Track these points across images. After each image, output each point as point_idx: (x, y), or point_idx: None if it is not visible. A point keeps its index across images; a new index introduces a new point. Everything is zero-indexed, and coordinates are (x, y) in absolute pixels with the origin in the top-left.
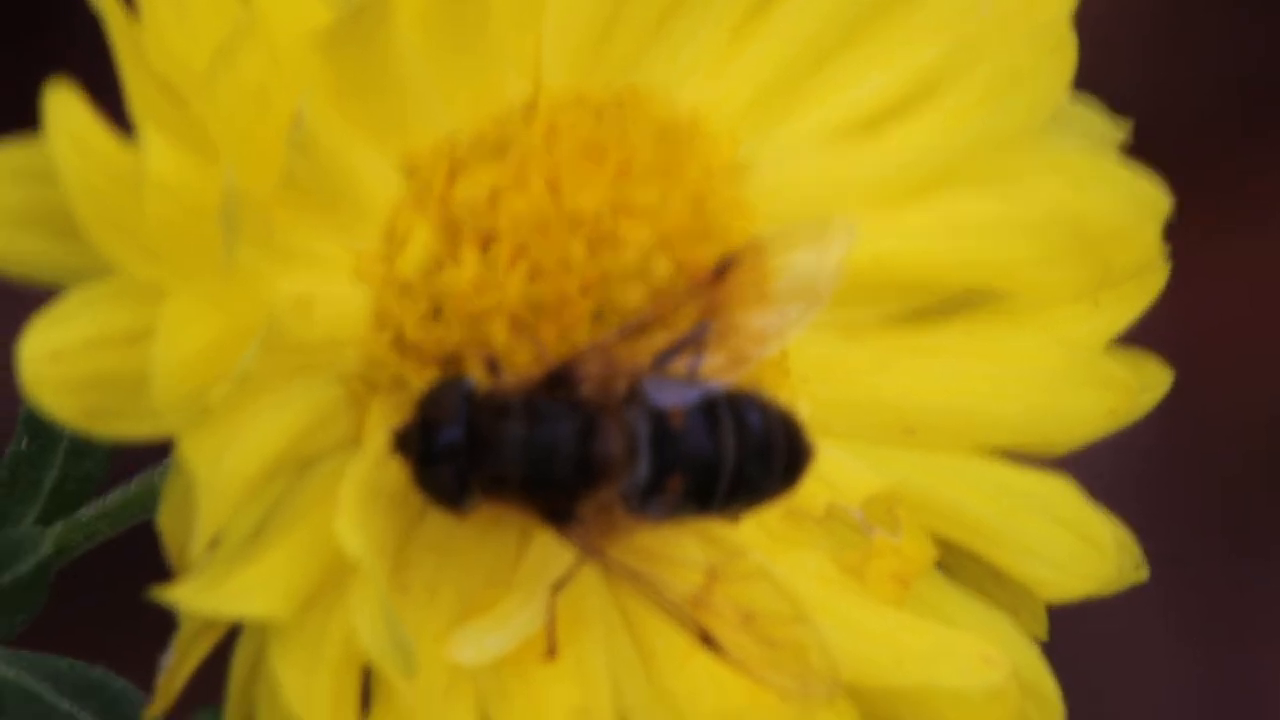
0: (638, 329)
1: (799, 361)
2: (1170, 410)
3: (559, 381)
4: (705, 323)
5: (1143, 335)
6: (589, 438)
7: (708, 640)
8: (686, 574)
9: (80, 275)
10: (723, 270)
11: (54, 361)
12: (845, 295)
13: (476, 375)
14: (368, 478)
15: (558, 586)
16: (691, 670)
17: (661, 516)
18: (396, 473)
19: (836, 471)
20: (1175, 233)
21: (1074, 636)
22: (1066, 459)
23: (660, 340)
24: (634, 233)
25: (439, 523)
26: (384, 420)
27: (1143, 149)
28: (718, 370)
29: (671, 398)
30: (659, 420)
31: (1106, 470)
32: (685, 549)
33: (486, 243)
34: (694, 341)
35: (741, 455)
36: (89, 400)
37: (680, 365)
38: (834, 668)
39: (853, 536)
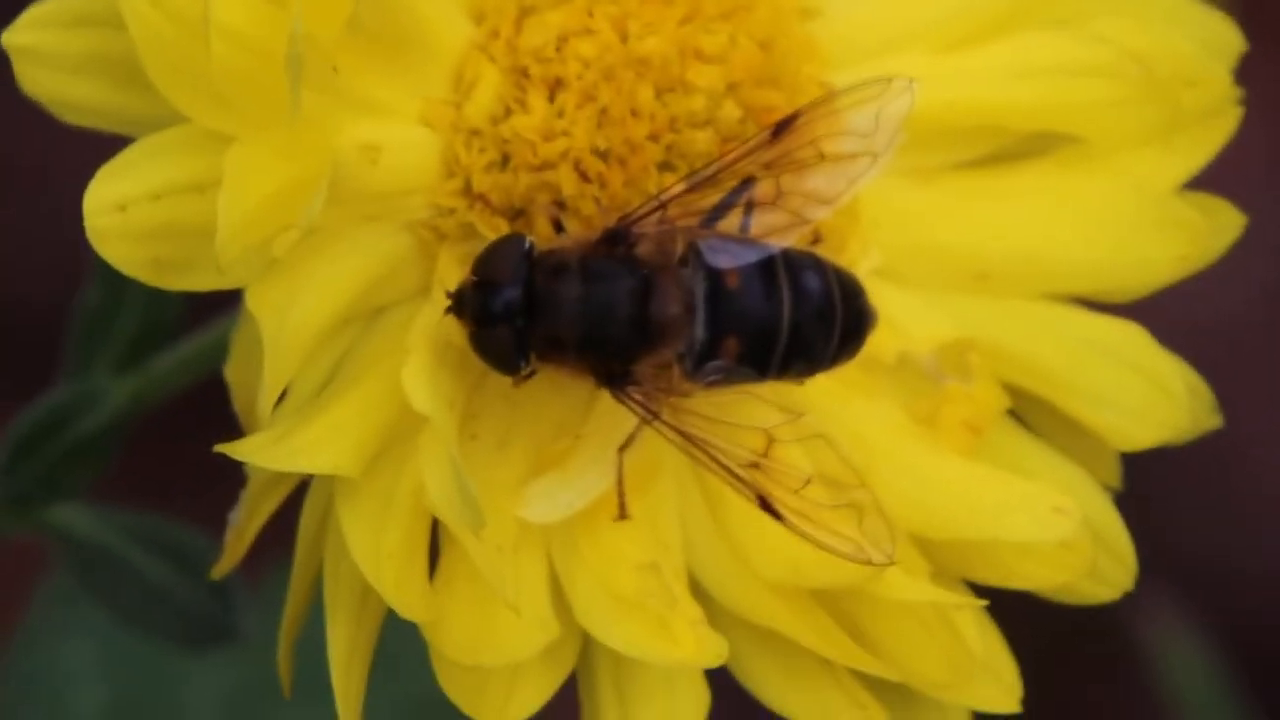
0: (700, 183)
1: (870, 207)
2: None
3: (616, 240)
4: (750, 180)
5: None
6: (645, 297)
7: (765, 504)
8: (745, 438)
9: (146, 124)
10: (782, 129)
11: (119, 212)
12: (916, 140)
13: (541, 230)
14: (436, 327)
15: (624, 446)
16: (761, 522)
17: (718, 381)
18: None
19: (908, 319)
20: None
21: None
22: None
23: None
24: (702, 77)
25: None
26: (453, 269)
27: None
28: (777, 230)
29: (728, 258)
30: (715, 280)
31: None
32: (744, 412)
33: (554, 89)
34: (740, 200)
35: (798, 317)
36: (155, 252)
37: (731, 223)
38: (892, 532)
39: (925, 384)
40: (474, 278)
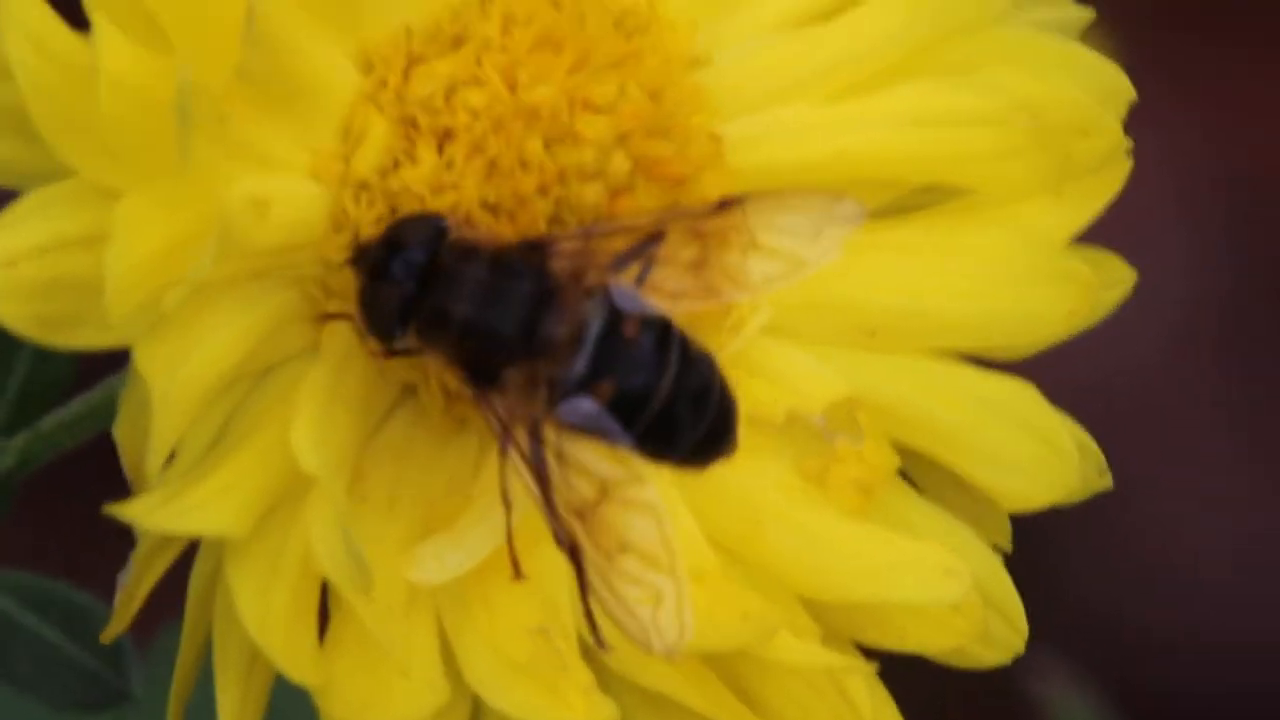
0: (628, 229)
1: None
2: None
3: (533, 248)
4: (659, 235)
5: None
6: (541, 307)
7: (573, 555)
8: (581, 483)
9: (34, 177)
10: (725, 205)
11: (6, 267)
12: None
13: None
14: (325, 385)
15: (508, 504)
16: None
17: (577, 421)
18: (355, 379)
19: (797, 375)
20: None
21: None
22: None
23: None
24: (591, 128)
25: (399, 430)
26: (341, 325)
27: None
28: (687, 296)
29: (635, 308)
30: (613, 321)
31: None
32: (588, 456)
33: (443, 140)
34: (646, 251)
35: (677, 390)
36: (43, 308)
37: (647, 275)
38: (683, 632)
39: (814, 443)
40: (383, 235)
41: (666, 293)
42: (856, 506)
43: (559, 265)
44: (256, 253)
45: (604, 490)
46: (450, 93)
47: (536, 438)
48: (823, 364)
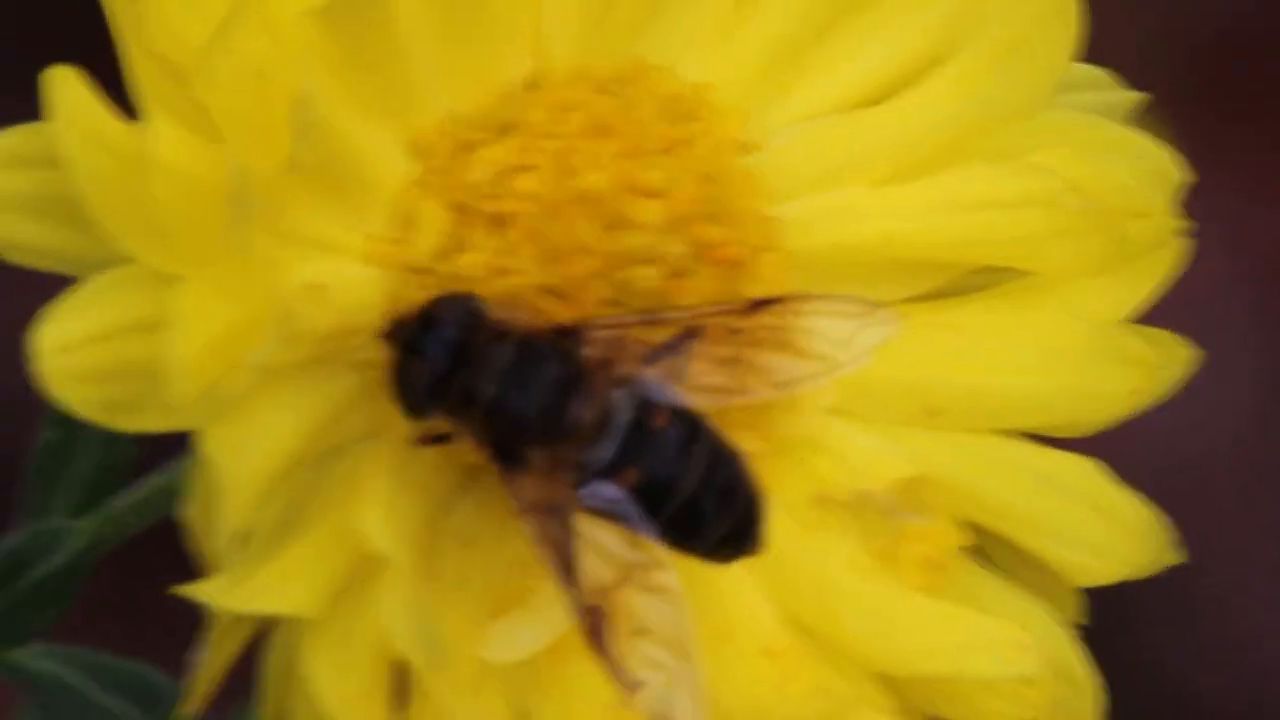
0: (662, 321)
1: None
2: None
3: (565, 334)
4: (695, 331)
5: None
6: (568, 392)
7: (594, 633)
8: (601, 565)
9: (92, 264)
10: (760, 305)
11: (68, 353)
12: (862, 275)
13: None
14: (393, 467)
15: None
16: (722, 658)
17: (600, 506)
18: (423, 462)
19: (862, 456)
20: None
21: None
22: None
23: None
24: (645, 213)
25: (468, 508)
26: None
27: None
28: (719, 392)
29: (665, 400)
30: (643, 411)
31: None
32: (610, 540)
33: (498, 225)
34: (684, 346)
35: (702, 484)
36: (106, 393)
37: (671, 364)
38: (696, 710)
39: (883, 522)
40: (419, 311)
41: (698, 387)
42: (927, 583)
43: (590, 352)
44: (316, 338)
45: (624, 574)
46: (503, 178)
47: (561, 518)
48: (887, 443)
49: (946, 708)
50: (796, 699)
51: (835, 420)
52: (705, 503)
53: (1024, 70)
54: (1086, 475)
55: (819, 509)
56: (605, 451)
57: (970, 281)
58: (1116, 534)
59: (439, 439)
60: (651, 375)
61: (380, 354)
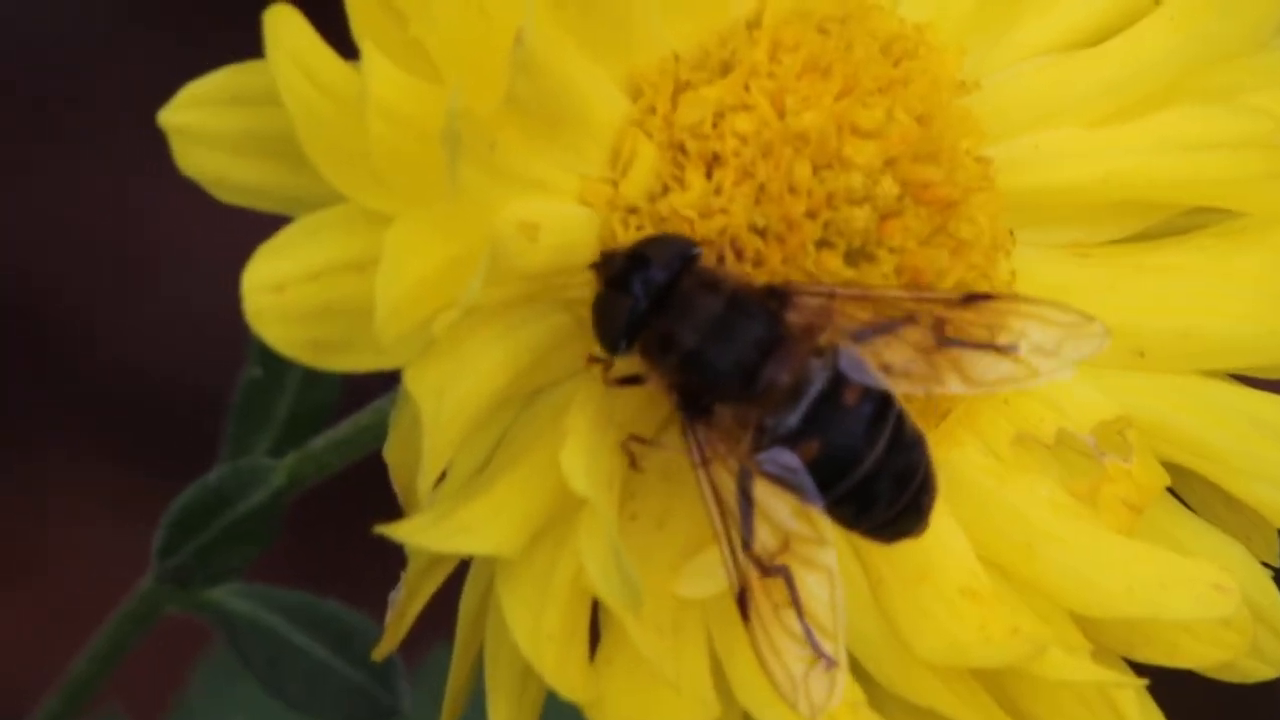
0: (872, 298)
1: (1028, 284)
2: None
3: (772, 295)
4: (913, 319)
5: None
6: (768, 353)
7: (741, 600)
8: (764, 530)
9: (304, 203)
10: (972, 299)
11: (277, 292)
12: (1072, 216)
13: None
14: (596, 406)
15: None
16: (921, 600)
17: (776, 472)
18: (624, 400)
19: (1066, 397)
20: None
21: None
22: None
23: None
24: (860, 153)
25: (668, 449)
26: (625, 366)
27: None
28: (912, 378)
29: (859, 377)
30: (835, 384)
31: None
32: (778, 507)
33: (711, 165)
34: (895, 331)
35: (882, 465)
36: (313, 333)
37: (880, 348)
38: (832, 697)
39: (1084, 463)
40: (631, 248)
41: (894, 370)
42: (1127, 524)
43: (795, 317)
44: (526, 276)
45: (786, 543)
46: (719, 118)
47: (735, 477)
48: (1092, 384)
49: (1144, 649)
50: (995, 640)
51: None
52: (880, 485)
53: (1244, 8)
54: None
55: (1021, 449)
56: (792, 419)
57: (1181, 223)
58: None
59: (630, 381)
60: (851, 351)
61: (589, 287)
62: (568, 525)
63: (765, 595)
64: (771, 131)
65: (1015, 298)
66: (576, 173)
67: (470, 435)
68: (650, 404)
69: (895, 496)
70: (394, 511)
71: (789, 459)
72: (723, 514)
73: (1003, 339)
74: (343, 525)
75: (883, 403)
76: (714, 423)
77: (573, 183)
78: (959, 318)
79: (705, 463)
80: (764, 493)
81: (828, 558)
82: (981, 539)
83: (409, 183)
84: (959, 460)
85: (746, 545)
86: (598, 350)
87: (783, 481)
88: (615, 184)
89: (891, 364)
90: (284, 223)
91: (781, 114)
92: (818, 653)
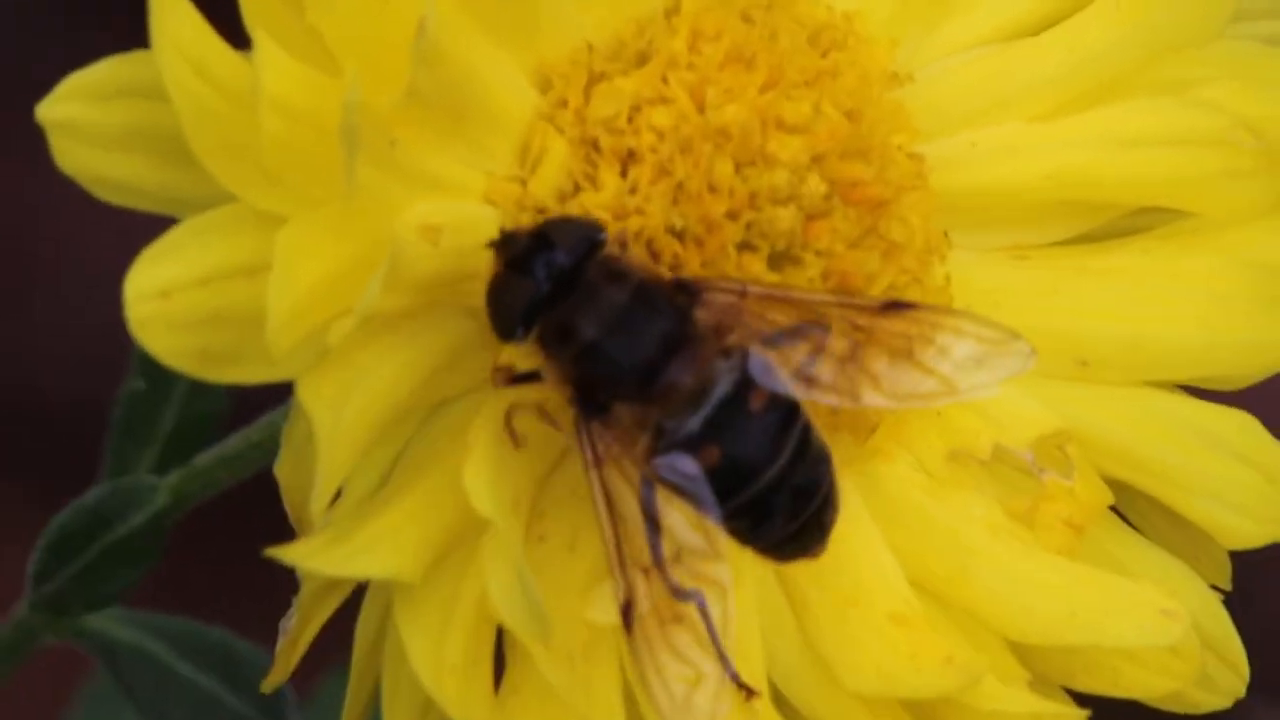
0: (787, 300)
1: (964, 289)
2: None
3: (680, 289)
4: (824, 326)
5: None
6: (672, 351)
7: (626, 611)
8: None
9: (192, 204)
10: (892, 308)
11: (162, 299)
12: (1011, 216)
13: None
14: (501, 422)
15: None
16: (848, 628)
17: (672, 479)
18: (532, 416)
19: (1003, 409)
20: None
21: None
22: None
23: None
24: (785, 149)
25: (578, 470)
26: (518, 355)
27: None
28: (825, 389)
29: (767, 383)
30: (741, 389)
31: None
32: (672, 516)
33: (626, 162)
34: (809, 336)
35: (782, 478)
36: (200, 342)
37: (793, 354)
38: (716, 715)
39: (1022, 479)
40: (533, 229)
41: (806, 378)
42: (1067, 545)
43: (704, 315)
44: (429, 281)
45: (678, 556)
46: (635, 112)
47: (628, 481)
48: (1028, 396)
49: (1085, 678)
50: (926, 669)
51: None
52: (779, 498)
53: None
54: (1241, 430)
55: (955, 465)
56: (693, 422)
57: (1127, 224)
58: (1270, 492)
59: (524, 378)
60: (760, 354)
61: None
62: (472, 547)
63: (652, 609)
64: (691, 126)
65: (938, 309)
66: (482, 170)
67: (368, 451)
68: (558, 412)
69: (795, 512)
70: (286, 532)
71: (687, 465)
72: (612, 519)
73: (922, 352)
74: (231, 547)
75: (789, 412)
76: (611, 421)
77: (478, 181)
78: (878, 326)
79: (599, 463)
80: (658, 500)
81: (721, 572)
82: (913, 561)
83: (304, 182)
84: (889, 476)
85: (658, 560)
86: (504, 355)
87: (678, 489)
88: (524, 182)
89: (803, 371)
90: (169, 225)
91: (702, 108)
92: (702, 673)
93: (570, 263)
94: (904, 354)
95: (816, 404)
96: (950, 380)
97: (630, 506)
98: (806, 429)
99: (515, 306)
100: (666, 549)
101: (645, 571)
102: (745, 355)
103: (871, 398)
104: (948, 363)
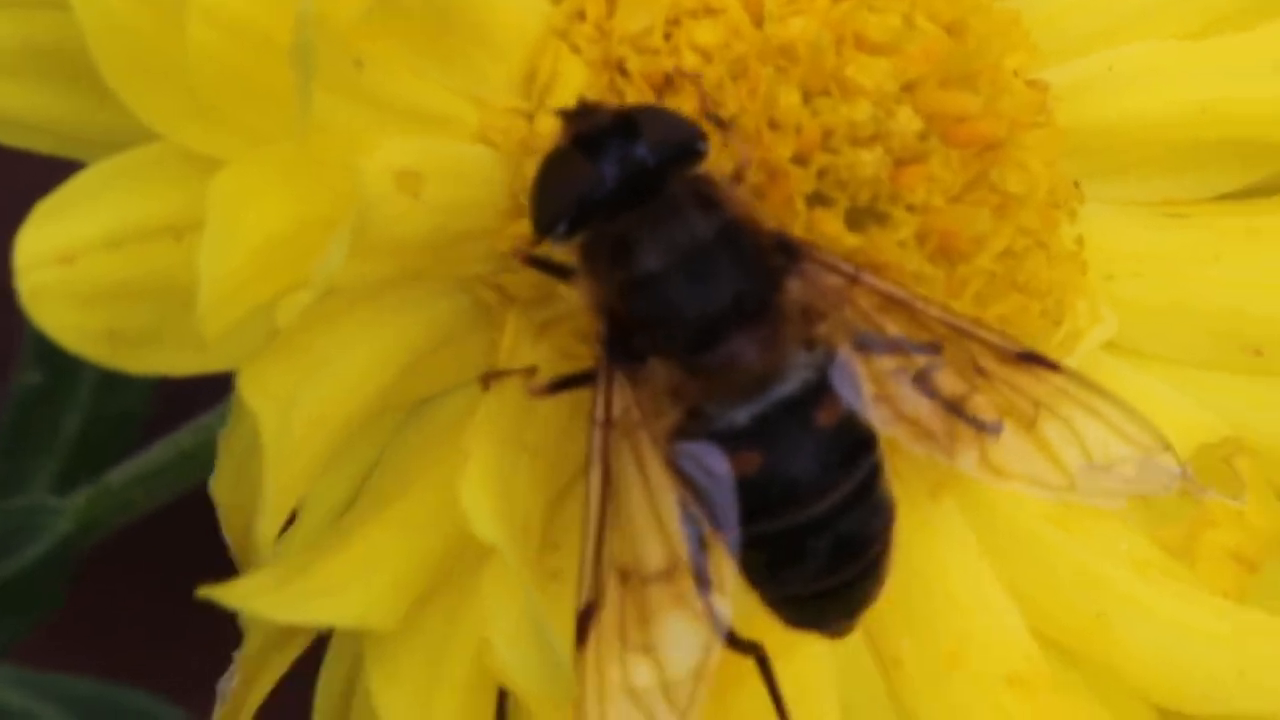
0: (907, 303)
1: (1100, 254)
2: None
3: (782, 249)
4: (938, 349)
5: None
6: (744, 316)
7: (584, 617)
8: (649, 542)
9: (100, 143)
10: (1030, 359)
11: (63, 264)
12: (1160, 161)
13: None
14: (505, 421)
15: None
16: (954, 689)
17: (693, 474)
18: (541, 417)
19: (1153, 409)
20: None
21: None
22: None
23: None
24: (868, 74)
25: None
26: (525, 343)
27: None
28: (910, 426)
29: (846, 395)
30: (812, 394)
31: None
32: (676, 521)
33: (662, 91)
34: (914, 357)
35: (826, 520)
36: (111, 320)
37: (885, 371)
38: None
39: (1177, 503)
40: (620, 109)
41: (897, 410)
42: (1235, 585)
43: (798, 289)
44: (407, 245)
45: (669, 571)
46: (672, 26)
47: (636, 456)
48: (1185, 394)
49: None
50: None
51: (1117, 361)
52: (816, 544)
53: None
54: None
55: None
56: (741, 414)
57: None
58: None
59: (566, 385)
60: (849, 359)
61: (493, 269)
62: (466, 585)
63: (616, 626)
64: (745, 44)
65: (1083, 381)
66: (474, 100)
67: (330, 462)
68: (573, 417)
69: (830, 566)
70: (226, 567)
71: (717, 462)
72: (603, 496)
73: (1048, 425)
74: (153, 587)
75: (861, 442)
76: (640, 378)
77: (470, 114)
78: (1004, 375)
79: (608, 423)
80: (664, 492)
81: (718, 606)
82: (1037, 608)
83: (244, 113)
84: (1007, 503)
85: (601, 548)
86: (507, 340)
87: (695, 488)
88: (530, 117)
89: (896, 401)
90: (74, 171)
91: (759, 20)
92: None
93: (653, 163)
94: (1025, 421)
95: (895, 439)
96: (1072, 475)
97: (631, 490)
98: (875, 470)
99: (568, 195)
100: (658, 561)
101: (624, 577)
102: (831, 354)
103: (967, 461)
104: (1074, 451)
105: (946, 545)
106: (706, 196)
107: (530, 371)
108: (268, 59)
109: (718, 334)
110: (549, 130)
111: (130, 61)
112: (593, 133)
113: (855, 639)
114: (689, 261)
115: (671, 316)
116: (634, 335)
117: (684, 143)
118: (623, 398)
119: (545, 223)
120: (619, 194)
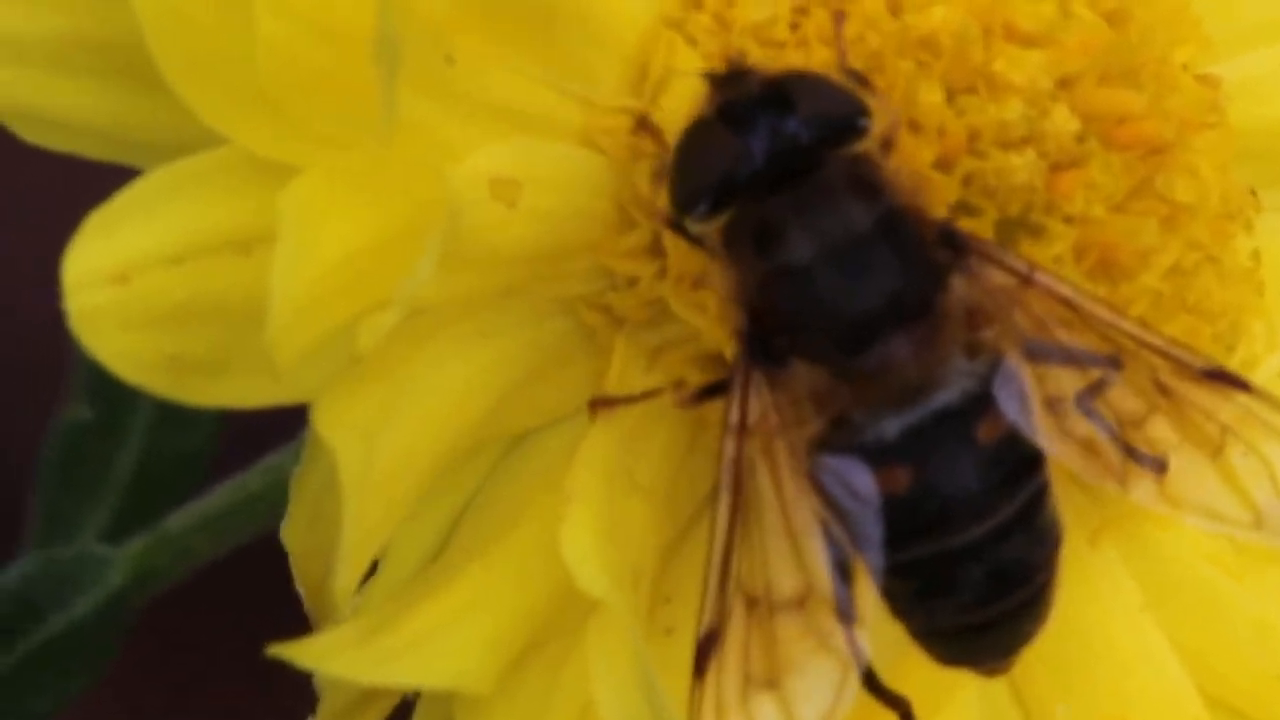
0: (1084, 308)
1: (1279, 269)
2: None
3: (948, 242)
4: (1117, 363)
5: None
6: (903, 315)
7: (704, 645)
8: (781, 567)
9: (159, 147)
10: (1218, 378)
11: (117, 284)
12: None
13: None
14: (612, 459)
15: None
16: None
17: (835, 491)
18: (655, 455)
19: None
20: None
21: None
22: None
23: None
24: (1020, 69)
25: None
26: (635, 370)
27: None
28: (1079, 448)
29: (1012, 410)
30: (973, 406)
31: None
32: (815, 543)
33: None
34: (1089, 370)
35: (983, 546)
36: (171, 345)
37: (1056, 384)
38: None
39: None
40: (775, 76)
41: (1067, 428)
42: None
43: (963, 288)
44: (504, 260)
45: (801, 599)
46: (800, 15)
47: (772, 469)
48: None
49: None
50: None
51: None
52: (971, 572)
53: None
54: None
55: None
56: (891, 425)
57: None
58: None
59: (713, 391)
60: (1017, 370)
61: (600, 288)
62: (568, 642)
63: (739, 658)
64: (882, 35)
65: (1276, 404)
66: (579, 99)
67: (416, 505)
68: (690, 454)
69: (986, 597)
70: (298, 622)
71: (862, 480)
72: (733, 512)
73: (1234, 452)
74: (217, 644)
75: (1026, 462)
76: (781, 381)
77: (573, 114)
78: (1189, 395)
79: (742, 429)
80: (802, 510)
81: (856, 640)
82: (1207, 666)
83: (319, 115)
84: (1169, 543)
85: (729, 571)
86: (615, 367)
87: (837, 508)
88: (643, 117)
89: (1067, 419)
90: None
91: (897, 9)
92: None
93: (807, 140)
94: (1210, 447)
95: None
96: (1259, 510)
97: (763, 507)
98: (1042, 492)
99: (710, 171)
100: (792, 584)
101: (751, 604)
102: (997, 362)
103: (1143, 491)
104: (1264, 483)
105: (1107, 597)
106: (866, 179)
107: (678, 385)
108: (346, 53)
109: (871, 335)
110: (660, 130)
111: (192, 56)
112: (741, 102)
113: (1003, 700)
114: (842, 253)
115: (820, 314)
116: (776, 332)
117: (843, 118)
118: (760, 403)
119: (685, 200)
120: (767, 173)
